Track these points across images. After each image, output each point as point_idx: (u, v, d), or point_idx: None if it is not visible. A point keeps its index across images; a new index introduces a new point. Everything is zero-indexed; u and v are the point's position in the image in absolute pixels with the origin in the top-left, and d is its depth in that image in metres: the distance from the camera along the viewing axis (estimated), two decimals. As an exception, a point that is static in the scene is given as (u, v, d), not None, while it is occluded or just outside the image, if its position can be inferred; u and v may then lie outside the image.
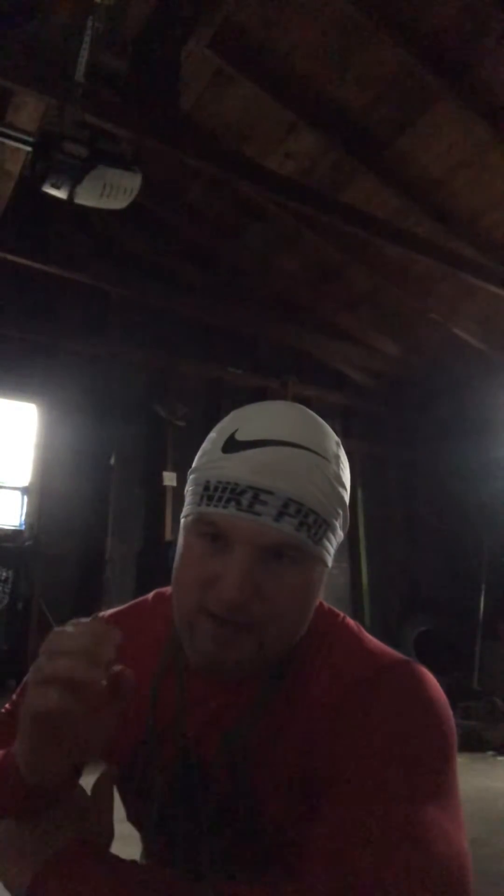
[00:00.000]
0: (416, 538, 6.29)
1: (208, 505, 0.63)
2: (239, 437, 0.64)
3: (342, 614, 0.75)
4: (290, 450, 0.63)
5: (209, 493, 0.63)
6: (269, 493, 0.61)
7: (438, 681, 0.66)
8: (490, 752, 4.27)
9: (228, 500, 0.61)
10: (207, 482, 0.64)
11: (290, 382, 5.80)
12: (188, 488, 0.69)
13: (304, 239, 4.88)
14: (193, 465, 0.69)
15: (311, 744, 0.63)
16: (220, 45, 3.43)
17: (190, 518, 0.66)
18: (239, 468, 0.62)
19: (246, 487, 0.61)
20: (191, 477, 0.69)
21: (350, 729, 0.61)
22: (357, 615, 5.71)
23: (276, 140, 4.02)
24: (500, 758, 4.21)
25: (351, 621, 0.74)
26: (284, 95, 3.67)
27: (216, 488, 0.62)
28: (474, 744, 4.28)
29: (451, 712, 0.63)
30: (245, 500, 0.61)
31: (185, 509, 0.68)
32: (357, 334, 5.90)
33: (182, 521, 0.69)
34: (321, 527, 0.63)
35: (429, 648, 5.51)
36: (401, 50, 3.24)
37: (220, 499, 0.62)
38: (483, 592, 5.48)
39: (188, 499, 0.68)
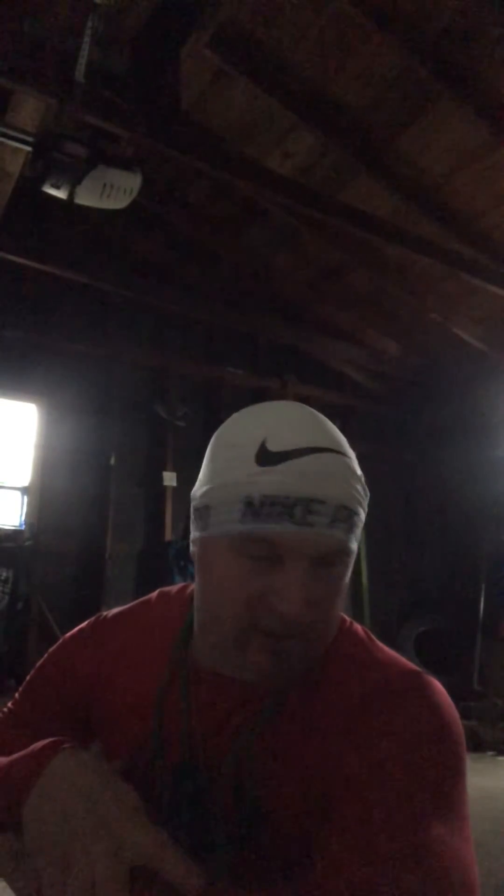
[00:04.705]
0: (416, 538, 6.28)
1: (255, 522, 0.59)
2: (272, 447, 0.61)
3: (349, 619, 0.74)
4: (328, 455, 0.61)
5: (254, 508, 0.59)
6: (322, 502, 0.59)
7: (438, 680, 0.66)
8: (490, 753, 4.27)
9: (280, 515, 0.58)
10: (249, 497, 0.60)
11: (289, 382, 5.80)
12: (212, 503, 0.63)
13: (304, 239, 4.88)
14: (215, 476, 0.64)
15: (318, 756, 0.63)
16: (220, 45, 3.42)
17: (233, 537, 0.61)
18: (285, 480, 0.59)
19: (297, 500, 0.58)
20: (215, 492, 0.63)
21: (359, 744, 0.60)
22: (357, 615, 5.70)
23: (276, 140, 4.01)
24: (500, 758, 4.20)
25: (359, 627, 0.74)
26: (284, 95, 3.66)
27: (262, 503, 0.59)
28: (474, 744, 4.28)
29: (460, 725, 0.63)
30: (298, 513, 0.58)
31: (216, 527, 0.63)
32: (357, 334, 5.90)
33: (205, 537, 0.65)
34: (359, 526, 0.63)
35: (429, 648, 5.51)
36: (401, 50, 3.24)
37: (269, 514, 0.58)
38: (483, 592, 5.48)
39: (218, 516, 0.62)
